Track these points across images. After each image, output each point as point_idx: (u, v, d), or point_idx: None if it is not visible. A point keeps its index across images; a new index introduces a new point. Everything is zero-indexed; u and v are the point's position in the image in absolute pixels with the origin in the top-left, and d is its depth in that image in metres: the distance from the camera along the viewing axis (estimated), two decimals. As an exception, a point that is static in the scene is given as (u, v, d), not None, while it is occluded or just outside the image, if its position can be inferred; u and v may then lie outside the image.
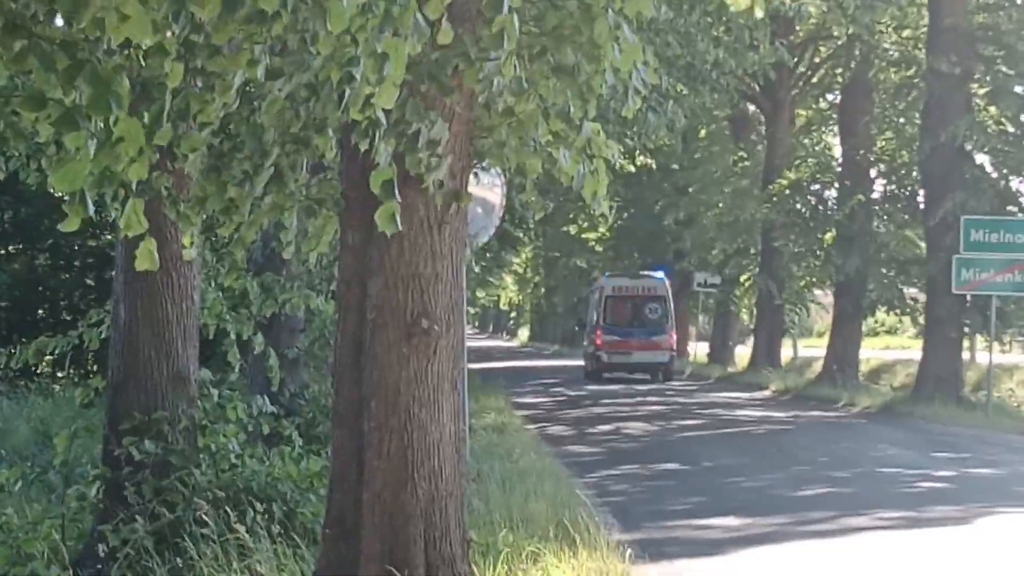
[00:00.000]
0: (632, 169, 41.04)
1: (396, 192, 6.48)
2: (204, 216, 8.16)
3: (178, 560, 10.24)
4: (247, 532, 10.09)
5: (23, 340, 26.20)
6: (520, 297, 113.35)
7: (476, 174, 9.23)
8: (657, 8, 18.61)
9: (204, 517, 10.44)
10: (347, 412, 8.41)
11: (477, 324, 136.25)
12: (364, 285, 8.26)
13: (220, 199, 7.92)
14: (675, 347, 45.04)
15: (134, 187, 5.43)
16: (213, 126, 6.84)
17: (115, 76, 4.76)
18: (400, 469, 8.18)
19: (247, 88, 6.94)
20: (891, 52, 40.82)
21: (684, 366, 52.42)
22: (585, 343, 47.85)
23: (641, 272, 47.58)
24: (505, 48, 6.75)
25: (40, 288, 33.48)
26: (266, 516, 10.59)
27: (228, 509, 10.56)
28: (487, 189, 14.63)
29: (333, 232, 8.62)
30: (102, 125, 4.79)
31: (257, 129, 7.46)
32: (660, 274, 45.57)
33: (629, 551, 11.23)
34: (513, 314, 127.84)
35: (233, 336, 13.72)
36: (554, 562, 10.36)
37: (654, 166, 49.05)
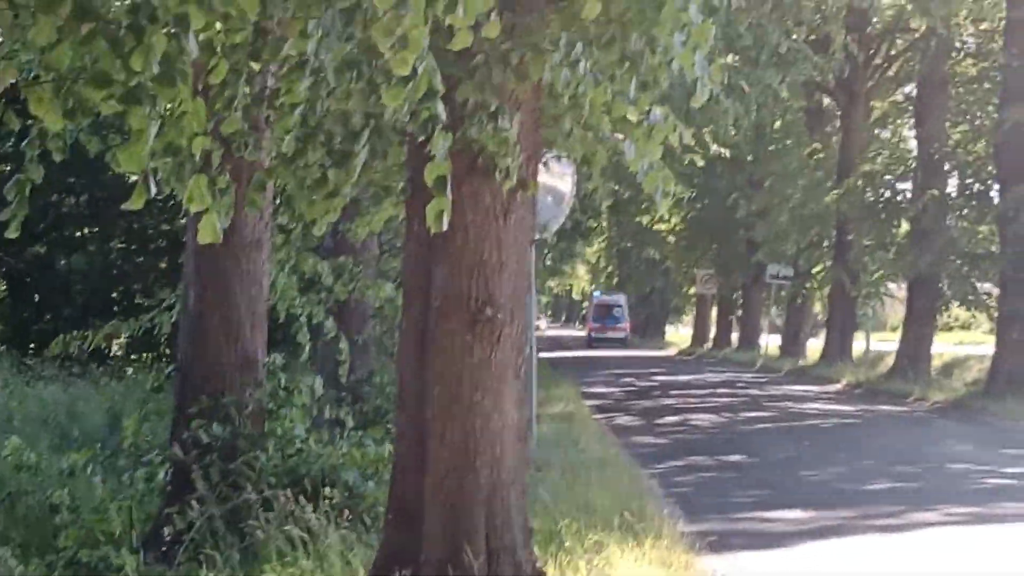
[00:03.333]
0: (701, 164, 41.11)
1: (448, 189, 6.26)
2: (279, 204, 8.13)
3: (244, 543, 10.27)
4: (314, 516, 10.14)
5: (98, 323, 26.53)
6: (592, 287, 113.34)
7: (546, 163, 9.17)
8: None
9: (271, 501, 10.44)
10: (410, 399, 8.41)
11: (550, 313, 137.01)
12: (429, 273, 8.25)
13: (301, 192, 7.81)
14: (628, 330, 79.14)
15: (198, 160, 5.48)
16: (303, 107, 6.76)
17: (179, 55, 4.87)
18: (462, 456, 8.17)
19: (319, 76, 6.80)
20: (968, 44, 40.35)
21: (754, 358, 52.38)
22: (585, 327, 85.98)
23: (612, 291, 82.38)
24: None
25: (114, 272, 33.69)
26: (330, 500, 10.60)
27: (294, 493, 10.56)
28: (558, 178, 14.54)
29: (388, 214, 8.55)
30: (167, 105, 4.90)
31: (344, 116, 7.40)
32: (621, 294, 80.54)
33: (693, 542, 11.23)
34: (585, 304, 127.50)
35: (304, 319, 13.68)
36: (617, 552, 10.34)
37: (727, 155, 48.65)
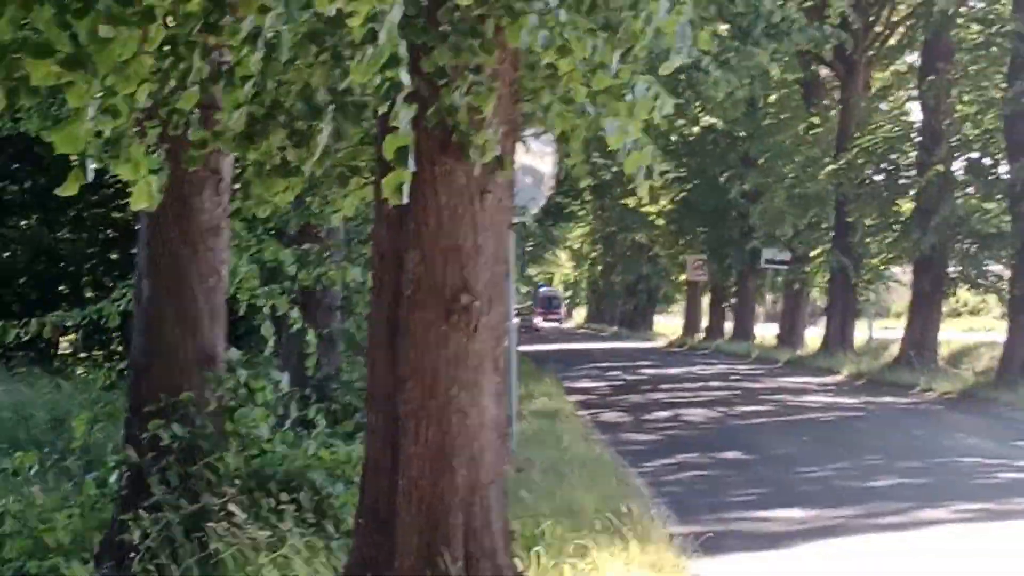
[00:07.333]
0: (695, 130, 41.18)
1: (410, 161, 6.12)
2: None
3: (204, 552, 10.18)
4: (277, 522, 10.08)
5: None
6: (576, 275, 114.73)
7: (525, 141, 9.07)
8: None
9: (232, 507, 10.25)
10: (381, 395, 8.34)
11: (529, 303, 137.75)
12: (400, 259, 8.19)
13: (260, 178, 7.81)
14: (563, 316, 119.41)
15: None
16: (255, 79, 6.53)
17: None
18: (438, 456, 8.10)
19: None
20: (975, 8, 40.24)
21: (749, 349, 53.13)
22: (532, 316, 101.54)
23: (551, 286, 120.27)
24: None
25: (61, 263, 33.54)
26: (296, 505, 10.49)
27: (258, 497, 10.50)
28: (537, 157, 14.64)
29: (358, 198, 8.51)
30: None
31: (306, 90, 7.32)
32: (559, 287, 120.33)
33: (684, 544, 11.24)
34: (568, 294, 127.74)
35: (267, 310, 13.55)
36: (603, 556, 10.34)
37: (719, 124, 48.77)
